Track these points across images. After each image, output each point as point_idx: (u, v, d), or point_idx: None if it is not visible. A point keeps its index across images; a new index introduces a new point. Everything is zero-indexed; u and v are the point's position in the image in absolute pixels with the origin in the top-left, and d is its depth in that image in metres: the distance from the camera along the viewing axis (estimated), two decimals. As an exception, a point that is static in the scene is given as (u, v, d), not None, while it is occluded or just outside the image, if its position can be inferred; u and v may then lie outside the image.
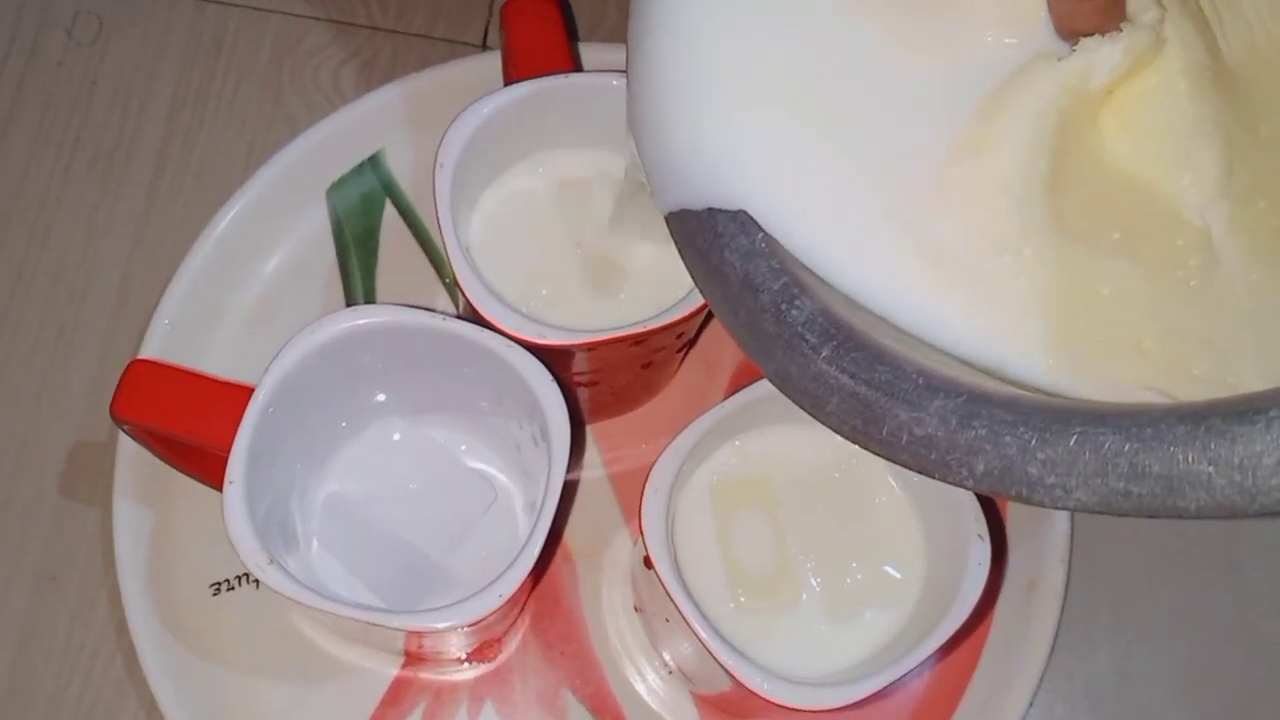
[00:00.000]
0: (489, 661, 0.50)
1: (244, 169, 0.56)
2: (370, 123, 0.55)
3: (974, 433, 0.28)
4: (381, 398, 0.47)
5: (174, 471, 0.47)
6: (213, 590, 0.50)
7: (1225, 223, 0.32)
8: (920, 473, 0.29)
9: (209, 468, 0.45)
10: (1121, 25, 0.32)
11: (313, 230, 0.55)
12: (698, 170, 0.33)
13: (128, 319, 0.54)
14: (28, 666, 0.50)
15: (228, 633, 0.49)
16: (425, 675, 0.50)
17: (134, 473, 0.50)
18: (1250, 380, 0.30)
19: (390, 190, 0.55)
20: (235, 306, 0.53)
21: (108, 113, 0.58)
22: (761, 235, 0.32)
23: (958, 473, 0.28)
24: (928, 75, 0.33)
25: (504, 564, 0.40)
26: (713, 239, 0.32)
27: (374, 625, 0.40)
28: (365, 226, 0.55)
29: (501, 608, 0.40)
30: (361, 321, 0.42)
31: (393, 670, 0.50)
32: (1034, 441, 0.27)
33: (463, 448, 0.49)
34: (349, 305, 0.54)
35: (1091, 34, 0.32)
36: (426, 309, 0.43)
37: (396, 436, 0.49)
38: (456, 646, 0.47)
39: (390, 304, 0.44)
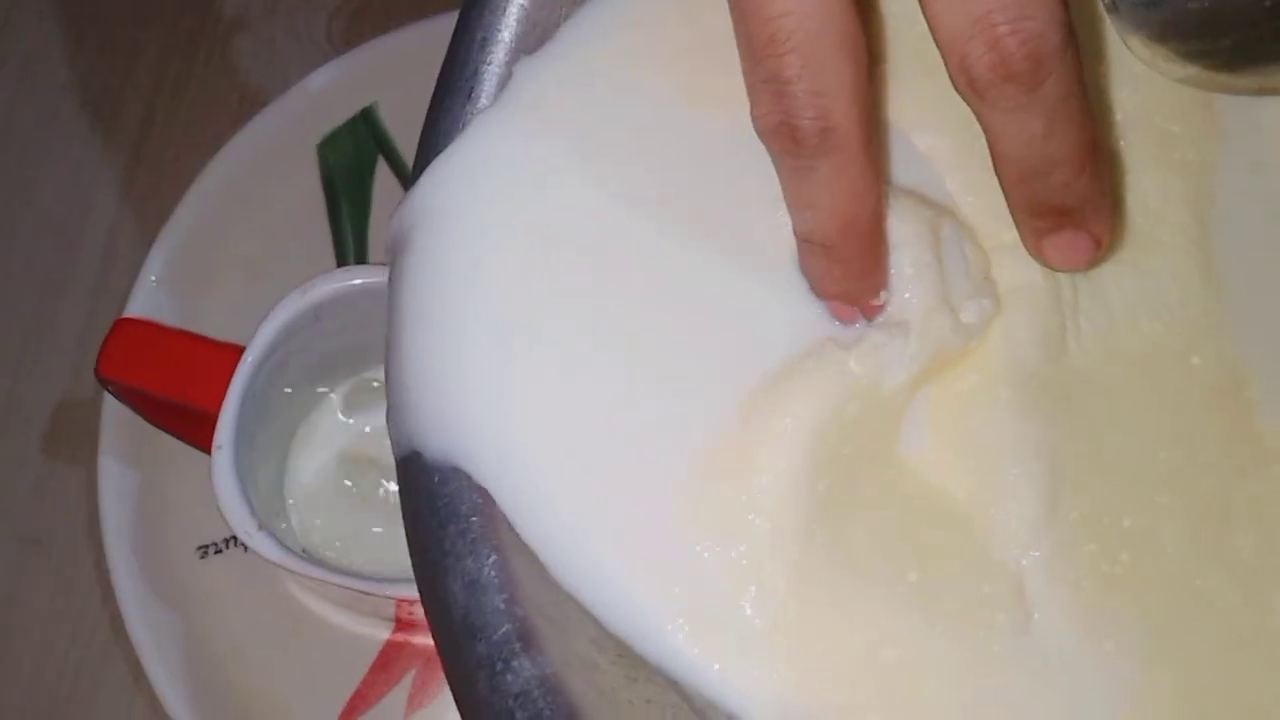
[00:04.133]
0: (481, 628, 0.50)
1: (234, 121, 0.55)
2: (363, 76, 0.54)
3: None
4: (374, 357, 0.47)
5: (161, 431, 0.46)
6: (200, 553, 0.49)
7: (1044, 569, 0.26)
8: None
9: (197, 429, 0.45)
10: (880, 295, 0.26)
11: (304, 186, 0.53)
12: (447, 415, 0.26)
13: (115, 274, 0.53)
14: (11, 631, 0.49)
15: (215, 596, 0.49)
16: (416, 640, 0.49)
17: (120, 432, 0.49)
18: None
19: (383, 146, 0.54)
20: (224, 264, 0.52)
21: (95, 61, 0.56)
22: (495, 559, 0.25)
23: None
24: (704, 341, 0.26)
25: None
26: (440, 556, 0.25)
27: (365, 593, 0.39)
28: (357, 183, 0.54)
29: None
30: (355, 282, 0.42)
31: (383, 635, 0.49)
32: None
33: (456, 410, 0.49)
34: (340, 263, 0.53)
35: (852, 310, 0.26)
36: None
37: (389, 398, 0.48)
38: (449, 613, 0.47)
39: (383, 264, 0.43)
